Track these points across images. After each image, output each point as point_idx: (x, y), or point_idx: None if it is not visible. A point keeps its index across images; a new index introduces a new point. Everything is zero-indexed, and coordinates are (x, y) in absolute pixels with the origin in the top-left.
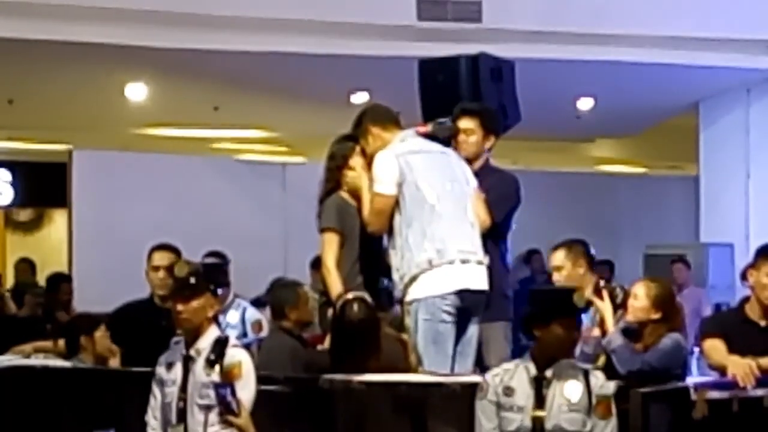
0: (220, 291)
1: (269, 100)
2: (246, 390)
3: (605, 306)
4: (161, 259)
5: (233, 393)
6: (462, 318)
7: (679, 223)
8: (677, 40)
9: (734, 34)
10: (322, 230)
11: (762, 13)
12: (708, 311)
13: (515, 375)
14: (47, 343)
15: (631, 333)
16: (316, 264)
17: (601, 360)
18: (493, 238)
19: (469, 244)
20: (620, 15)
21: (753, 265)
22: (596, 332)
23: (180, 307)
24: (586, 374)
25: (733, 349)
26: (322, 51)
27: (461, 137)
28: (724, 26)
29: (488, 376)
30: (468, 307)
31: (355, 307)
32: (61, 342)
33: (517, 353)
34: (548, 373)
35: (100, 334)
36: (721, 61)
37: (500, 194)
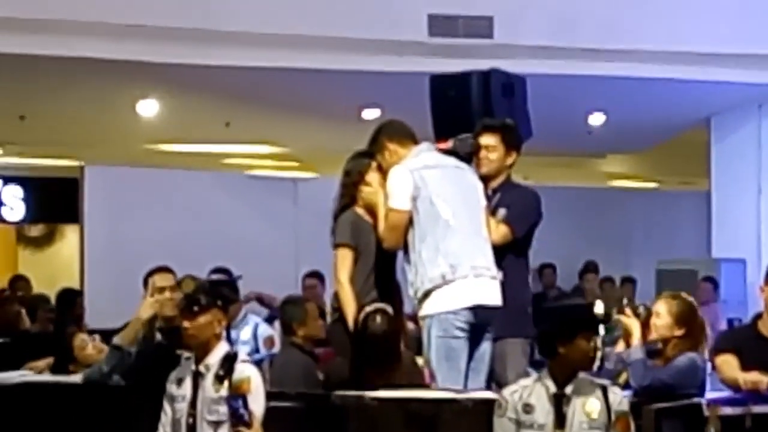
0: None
1: (280, 116)
2: (256, 405)
3: (632, 322)
4: (164, 280)
5: (245, 405)
6: (475, 334)
7: (690, 238)
8: (689, 56)
9: (746, 49)
10: (336, 246)
11: None
12: (723, 326)
13: (534, 392)
14: None
15: (655, 353)
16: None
17: (623, 377)
18: (514, 253)
19: (483, 260)
20: (631, 30)
21: (764, 281)
22: (620, 347)
23: (187, 323)
24: (604, 390)
25: (745, 364)
26: (334, 67)
27: (482, 153)
28: (735, 41)
29: (506, 392)
30: (481, 322)
31: (378, 319)
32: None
33: None
34: (568, 389)
35: (78, 344)
36: (733, 76)
37: (522, 210)
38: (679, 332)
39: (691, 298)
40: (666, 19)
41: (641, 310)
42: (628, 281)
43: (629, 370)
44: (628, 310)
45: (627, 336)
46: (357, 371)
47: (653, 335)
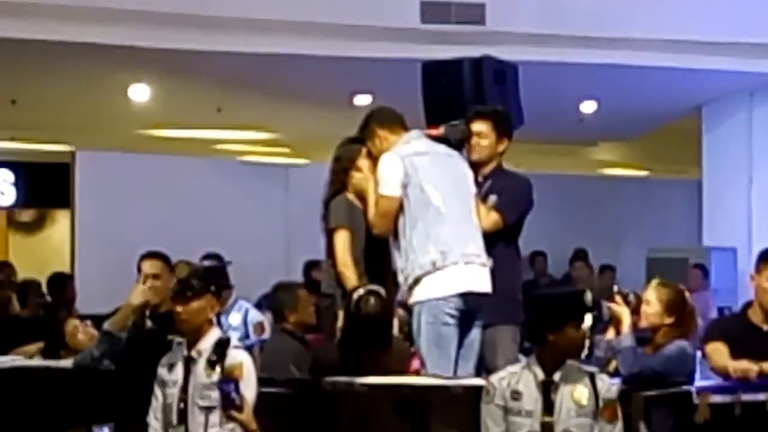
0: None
1: (272, 102)
2: (247, 390)
3: (622, 309)
4: (150, 267)
5: (237, 389)
6: (465, 321)
7: (681, 226)
8: (680, 44)
9: (737, 37)
10: (333, 229)
11: (765, 17)
12: (714, 314)
13: (522, 378)
14: None
15: (644, 341)
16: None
17: (613, 365)
18: (505, 240)
19: (474, 247)
20: (624, 18)
21: (755, 270)
22: (610, 335)
23: (179, 308)
24: (592, 377)
25: (736, 353)
26: (326, 53)
27: (474, 140)
28: (727, 30)
29: (494, 379)
30: (471, 309)
31: (372, 300)
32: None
33: None
34: (556, 376)
35: (69, 331)
36: (724, 64)
37: (513, 197)
38: (668, 320)
39: (681, 286)
40: (658, 7)
41: (631, 297)
42: (608, 269)
43: (619, 358)
44: (618, 298)
45: (617, 323)
46: (348, 353)
47: (643, 323)
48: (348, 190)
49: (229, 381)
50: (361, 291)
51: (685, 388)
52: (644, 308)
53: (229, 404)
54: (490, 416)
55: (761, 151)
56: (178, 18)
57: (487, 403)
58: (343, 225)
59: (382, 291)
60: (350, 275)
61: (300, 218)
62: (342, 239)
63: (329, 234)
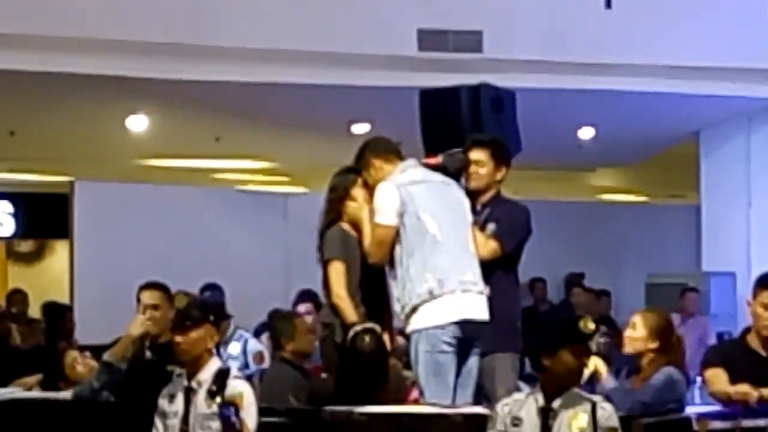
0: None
1: (270, 131)
2: (249, 420)
3: (593, 359)
4: (148, 297)
5: (237, 414)
6: (462, 349)
7: (680, 252)
8: (678, 70)
9: (735, 62)
10: (328, 261)
11: (762, 42)
12: (713, 339)
13: (524, 405)
14: None
15: (632, 372)
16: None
17: None
18: (504, 268)
19: (471, 275)
20: (621, 45)
21: (752, 295)
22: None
23: (179, 338)
24: (593, 406)
25: (735, 378)
26: (323, 82)
27: (472, 168)
28: (724, 55)
29: (498, 406)
30: (468, 337)
31: (367, 338)
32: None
33: None
34: (555, 403)
35: (68, 363)
36: (722, 89)
37: (511, 224)
38: (653, 345)
39: (667, 315)
40: (655, 34)
41: (601, 342)
42: (604, 294)
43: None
44: None
45: (595, 372)
46: (343, 390)
47: (627, 348)
48: (343, 219)
49: (229, 406)
50: (357, 328)
51: (684, 414)
52: (630, 332)
53: (230, 428)
54: None
55: (759, 175)
56: (176, 48)
57: (489, 430)
58: (338, 257)
59: (377, 329)
60: (345, 307)
61: (299, 247)
62: (336, 271)
63: (324, 265)
